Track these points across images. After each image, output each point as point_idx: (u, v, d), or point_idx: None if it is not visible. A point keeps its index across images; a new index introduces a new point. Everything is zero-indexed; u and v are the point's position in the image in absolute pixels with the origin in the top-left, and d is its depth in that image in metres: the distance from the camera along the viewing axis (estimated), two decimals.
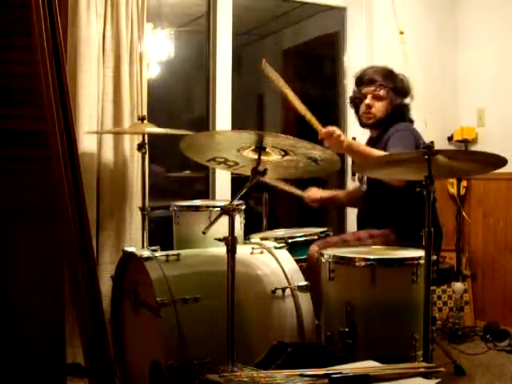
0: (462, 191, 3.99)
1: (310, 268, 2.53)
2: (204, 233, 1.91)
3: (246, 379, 1.62)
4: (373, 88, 2.84)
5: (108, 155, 2.99)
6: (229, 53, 3.55)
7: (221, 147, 2.22)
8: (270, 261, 2.36)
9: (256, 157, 2.09)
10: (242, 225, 2.89)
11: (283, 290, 2.24)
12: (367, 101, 2.85)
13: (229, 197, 3.42)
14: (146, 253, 2.22)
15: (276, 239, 2.64)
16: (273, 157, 2.14)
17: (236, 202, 2.00)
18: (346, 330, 2.14)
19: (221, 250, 2.08)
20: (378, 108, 2.84)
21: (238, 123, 3.64)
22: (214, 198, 3.53)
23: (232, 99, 3.57)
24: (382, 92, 2.83)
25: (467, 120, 4.01)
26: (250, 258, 2.34)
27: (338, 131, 2.56)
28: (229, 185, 3.54)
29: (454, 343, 3.44)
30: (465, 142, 3.97)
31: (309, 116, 2.66)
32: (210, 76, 3.58)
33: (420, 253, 2.18)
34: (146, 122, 2.83)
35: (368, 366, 1.75)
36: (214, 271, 2.20)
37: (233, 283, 1.91)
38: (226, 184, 3.53)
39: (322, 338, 2.26)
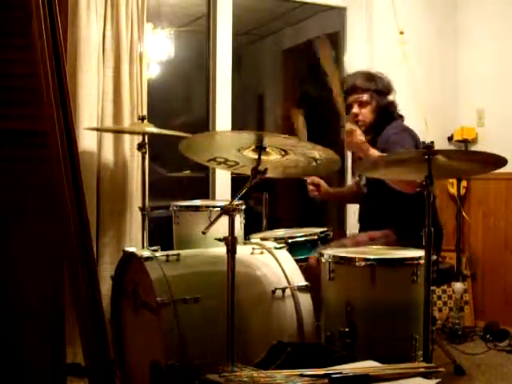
0: (462, 191, 3.99)
1: (310, 273, 2.52)
2: (204, 233, 1.90)
3: (245, 379, 1.62)
4: (356, 96, 2.86)
5: (108, 155, 2.99)
6: (229, 53, 3.55)
7: (221, 147, 2.22)
8: (270, 261, 2.36)
9: (256, 156, 2.09)
10: (242, 225, 2.89)
11: (283, 290, 2.24)
12: (354, 110, 2.87)
13: (229, 197, 3.42)
14: (146, 253, 2.22)
15: (276, 239, 2.64)
16: (273, 156, 2.15)
17: (236, 202, 2.00)
18: (346, 330, 2.14)
19: (221, 250, 2.08)
20: (365, 114, 2.86)
21: (238, 123, 3.64)
22: (214, 198, 3.53)
23: (232, 99, 3.57)
24: (365, 97, 2.85)
25: (467, 120, 4.01)
26: (250, 258, 2.34)
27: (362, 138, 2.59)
28: (229, 185, 3.54)
29: (453, 343, 3.44)
30: (465, 141, 3.97)
31: (340, 100, 2.68)
32: (210, 76, 3.58)
33: (420, 253, 2.18)
34: (145, 121, 2.83)
35: (368, 365, 1.75)
36: (214, 271, 2.20)
37: (233, 283, 1.91)
38: (226, 184, 3.53)
39: (321, 338, 2.26)
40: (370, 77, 2.89)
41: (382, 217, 2.80)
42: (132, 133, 2.99)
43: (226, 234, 1.93)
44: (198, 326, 2.05)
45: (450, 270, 3.24)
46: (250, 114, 5.03)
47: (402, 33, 3.77)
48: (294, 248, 2.58)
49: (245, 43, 4.81)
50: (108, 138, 3.00)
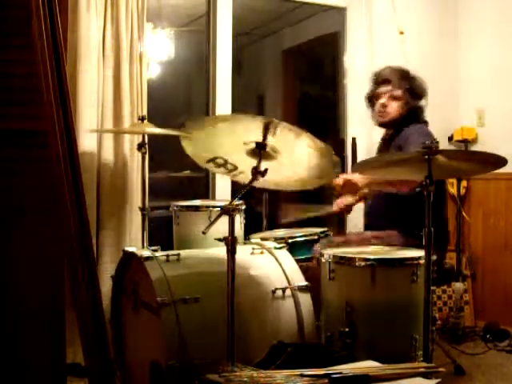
0: (462, 191, 3.99)
1: (310, 273, 2.52)
2: (204, 233, 1.90)
3: (245, 379, 1.62)
4: (389, 88, 2.85)
5: (108, 155, 2.99)
6: (229, 53, 3.55)
7: (222, 141, 2.17)
8: (270, 261, 2.36)
9: (255, 162, 2.07)
10: (242, 225, 2.89)
11: (283, 290, 2.24)
12: (383, 100, 2.86)
13: (229, 197, 3.42)
14: (146, 253, 2.22)
15: (276, 239, 2.64)
16: (272, 162, 2.12)
17: (236, 202, 1.99)
18: (346, 330, 2.14)
19: (221, 250, 2.08)
20: (393, 108, 2.85)
21: None
22: (214, 198, 3.53)
23: (232, 99, 3.57)
24: (398, 92, 2.84)
25: (467, 120, 4.01)
26: (250, 259, 2.34)
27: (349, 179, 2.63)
28: (229, 185, 3.54)
29: (453, 343, 3.44)
30: (465, 142, 3.98)
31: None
32: (210, 76, 3.58)
33: (420, 253, 2.18)
34: (145, 121, 2.83)
35: (368, 365, 1.75)
36: (214, 271, 2.20)
37: (233, 283, 1.91)
38: (226, 184, 3.53)
39: (322, 338, 2.26)
40: (407, 75, 2.89)
41: (388, 214, 2.80)
42: (132, 133, 2.99)
43: (226, 234, 1.93)
44: (198, 326, 2.05)
45: (450, 270, 3.24)
46: (250, 113, 5.03)
47: (402, 33, 3.76)
48: (294, 248, 2.58)
49: (245, 43, 4.82)
50: (108, 138, 3.00)
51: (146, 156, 2.90)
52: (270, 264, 2.34)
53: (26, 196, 2.06)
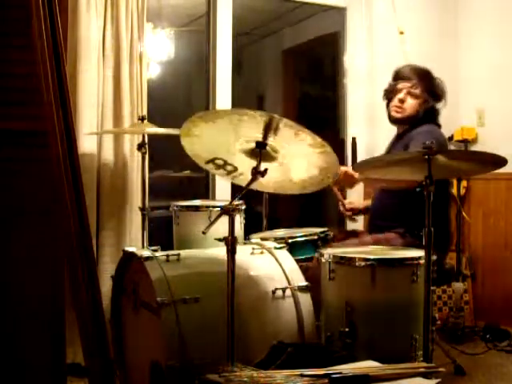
0: (462, 191, 3.99)
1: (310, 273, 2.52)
2: (204, 233, 1.90)
3: (245, 379, 1.62)
4: (409, 84, 2.85)
5: (108, 155, 2.99)
6: (229, 53, 3.55)
7: (222, 139, 2.15)
8: (270, 261, 2.36)
9: (255, 163, 2.07)
10: (242, 225, 2.89)
11: (283, 290, 2.24)
12: (401, 95, 2.86)
13: (229, 197, 3.43)
14: (146, 253, 2.22)
15: (276, 239, 2.64)
16: (272, 164, 2.12)
17: (236, 202, 1.99)
18: (346, 330, 2.14)
19: (221, 250, 2.08)
20: (410, 104, 2.85)
21: None
22: (214, 198, 3.53)
23: (232, 99, 3.57)
24: (417, 90, 2.84)
25: (467, 120, 4.01)
26: (250, 259, 2.34)
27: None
28: (229, 185, 3.54)
29: (453, 343, 3.44)
30: (465, 141, 3.97)
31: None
32: (210, 76, 3.58)
33: (420, 253, 2.18)
34: (146, 121, 2.83)
35: (368, 365, 1.75)
36: (214, 271, 2.20)
37: (233, 283, 1.91)
38: (225, 184, 3.53)
39: (322, 338, 2.26)
40: (428, 76, 2.90)
41: (391, 214, 2.80)
42: (132, 133, 2.99)
43: (226, 234, 1.93)
44: (198, 326, 2.05)
45: (450, 270, 3.24)
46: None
47: (402, 33, 3.76)
48: (294, 248, 2.58)
49: (245, 43, 4.81)
50: (108, 139, 3.00)
51: (146, 156, 2.91)
52: (270, 264, 2.34)
53: (25, 196, 2.06)
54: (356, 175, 2.70)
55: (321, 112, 4.70)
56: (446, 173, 2.43)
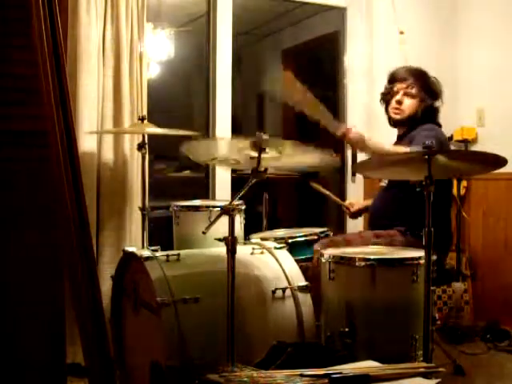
0: (462, 191, 3.99)
1: (310, 273, 2.53)
2: (204, 233, 1.91)
3: (245, 379, 1.62)
4: (405, 85, 2.86)
5: (108, 155, 2.99)
6: (229, 53, 3.55)
7: (221, 149, 2.21)
8: (270, 261, 2.36)
9: (256, 154, 2.08)
10: (242, 225, 2.89)
11: (283, 290, 2.24)
12: (398, 97, 2.87)
13: (229, 197, 3.42)
14: (146, 253, 2.22)
15: (276, 239, 2.64)
16: (272, 153, 2.14)
17: (236, 202, 1.99)
18: (346, 330, 2.14)
19: (221, 250, 2.08)
20: (408, 105, 2.85)
21: (238, 123, 3.64)
22: (214, 198, 3.53)
23: (232, 99, 3.58)
24: (413, 90, 2.84)
25: (467, 120, 4.01)
26: (251, 259, 2.34)
27: (356, 130, 2.55)
28: (229, 185, 3.54)
29: (454, 343, 3.44)
30: (465, 142, 3.97)
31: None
32: (209, 76, 3.58)
33: (420, 253, 2.18)
34: (146, 121, 2.83)
35: (368, 365, 1.75)
36: (214, 271, 2.20)
37: (233, 283, 1.91)
38: (226, 184, 3.53)
39: (321, 338, 2.26)
40: (424, 75, 2.90)
41: (392, 214, 2.80)
42: (132, 133, 2.99)
43: (226, 234, 1.93)
44: (198, 326, 2.05)
45: (450, 270, 3.24)
46: (250, 113, 5.03)
47: (402, 33, 3.77)
48: (294, 248, 2.58)
49: (245, 43, 4.81)
50: (108, 138, 3.00)
51: (146, 156, 2.91)
52: (269, 264, 2.34)
53: (25, 196, 2.06)
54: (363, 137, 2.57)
55: None
56: (446, 173, 2.43)
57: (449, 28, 4.09)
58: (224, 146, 2.27)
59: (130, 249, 2.33)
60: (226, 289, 1.91)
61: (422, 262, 2.12)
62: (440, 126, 2.90)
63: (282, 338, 1.99)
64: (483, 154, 2.26)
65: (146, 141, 2.89)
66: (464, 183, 3.99)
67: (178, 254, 2.25)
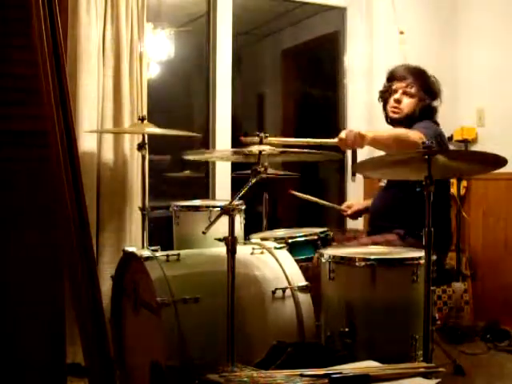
0: (462, 191, 3.99)
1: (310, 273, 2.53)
2: (204, 233, 1.91)
3: (245, 379, 1.62)
4: (404, 84, 2.86)
5: (108, 155, 2.99)
6: (229, 53, 3.55)
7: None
8: (270, 261, 2.36)
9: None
10: (242, 225, 2.89)
11: (283, 290, 2.24)
12: (397, 95, 2.87)
13: (229, 197, 3.42)
14: (146, 253, 2.22)
15: (276, 239, 2.64)
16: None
17: (236, 202, 2.00)
18: (346, 330, 2.14)
19: (221, 250, 2.08)
20: (407, 104, 2.85)
21: (238, 123, 3.64)
22: (214, 198, 3.53)
23: (232, 99, 3.57)
24: (412, 89, 2.85)
25: (467, 120, 4.01)
26: (251, 259, 2.34)
27: (351, 131, 2.53)
28: (229, 185, 3.54)
29: (454, 343, 3.44)
30: (465, 142, 3.97)
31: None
32: (209, 76, 3.58)
33: (420, 253, 2.18)
34: (145, 122, 2.83)
35: (368, 365, 1.75)
36: (214, 271, 2.20)
37: (233, 283, 1.91)
38: (226, 184, 3.53)
39: (321, 338, 2.26)
40: (423, 74, 2.90)
41: (392, 215, 2.80)
42: (132, 133, 2.99)
43: (226, 234, 1.93)
44: (198, 326, 2.05)
45: (451, 270, 3.24)
46: (250, 113, 5.03)
47: (402, 33, 3.77)
48: (294, 248, 2.58)
49: (245, 43, 4.81)
50: (108, 138, 3.00)
51: (146, 156, 2.91)
52: (269, 264, 2.34)
53: (25, 196, 2.06)
54: (367, 135, 2.53)
55: (320, 112, 4.69)
56: (446, 173, 2.43)
57: (449, 28, 4.09)
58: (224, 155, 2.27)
59: (129, 249, 2.33)
60: (226, 289, 1.91)
61: (422, 262, 2.12)
62: (438, 124, 2.90)
63: (282, 338, 1.99)
64: (483, 154, 2.26)
65: (146, 141, 2.89)
66: (464, 183, 4.00)
67: (178, 254, 2.25)
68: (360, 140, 2.50)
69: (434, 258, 2.11)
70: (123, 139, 3.01)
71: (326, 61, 4.74)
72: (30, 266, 2.06)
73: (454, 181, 3.97)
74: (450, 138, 4.03)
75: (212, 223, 1.93)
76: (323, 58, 4.85)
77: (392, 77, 2.93)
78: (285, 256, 2.40)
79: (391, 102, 2.89)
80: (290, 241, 2.65)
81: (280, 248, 2.44)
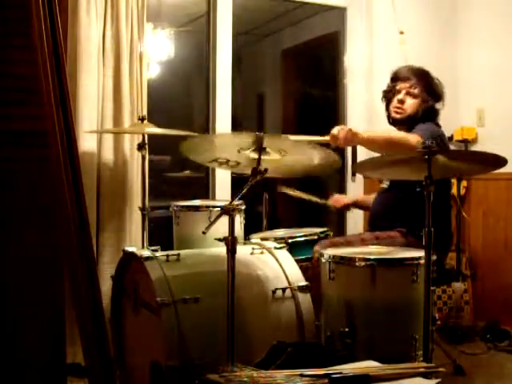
0: (462, 191, 3.99)
1: (310, 273, 2.53)
2: (204, 233, 1.90)
3: (245, 379, 1.62)
4: (408, 85, 2.86)
5: (108, 155, 2.99)
6: (229, 53, 3.55)
7: (221, 149, 2.22)
8: (270, 261, 2.36)
9: (256, 156, 2.09)
10: (242, 225, 2.89)
11: (283, 290, 2.24)
12: (400, 96, 2.87)
13: (229, 197, 3.42)
14: (146, 253, 2.22)
15: (276, 239, 2.64)
16: (273, 156, 2.15)
17: (236, 202, 2.00)
18: (346, 330, 2.14)
19: (221, 250, 2.08)
20: (410, 104, 2.85)
21: (238, 123, 3.64)
22: (214, 198, 3.53)
23: (232, 99, 3.58)
24: (416, 90, 2.85)
25: (467, 120, 4.01)
26: (251, 259, 2.34)
27: (343, 128, 2.54)
28: (229, 185, 3.54)
29: (454, 343, 3.44)
30: (465, 142, 3.97)
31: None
32: (210, 76, 3.58)
33: (420, 253, 2.18)
34: (145, 122, 2.83)
35: (368, 365, 1.75)
36: (214, 271, 2.20)
37: (233, 283, 1.91)
38: (226, 184, 3.53)
39: (321, 338, 2.26)
40: (427, 76, 2.91)
41: (392, 214, 2.80)
42: (132, 133, 2.99)
43: (226, 234, 1.93)
44: (198, 326, 2.05)
45: (451, 270, 3.24)
46: (250, 113, 5.03)
47: (402, 33, 3.77)
48: (294, 248, 2.58)
49: (245, 43, 4.81)
50: (108, 138, 3.00)
51: (146, 156, 2.91)
52: (269, 264, 2.34)
53: (25, 196, 2.06)
54: (360, 134, 2.55)
55: (321, 112, 4.70)
56: (446, 173, 2.43)
57: (449, 28, 4.09)
58: (224, 144, 2.25)
59: (129, 249, 2.33)
60: (226, 289, 1.91)
61: (422, 262, 2.12)
62: (439, 126, 2.90)
63: (282, 338, 1.99)
64: (483, 154, 2.26)
65: (146, 141, 2.89)
66: (464, 183, 3.99)
67: (178, 254, 2.25)
68: (351, 137, 2.51)
69: (434, 257, 2.11)
70: (123, 139, 3.01)
71: (326, 61, 4.75)
72: (30, 266, 2.06)
73: (454, 181, 3.97)
74: (450, 138, 4.03)
75: (212, 223, 1.93)
76: (323, 57, 4.85)
77: (396, 77, 2.93)
78: (285, 256, 2.40)
79: (394, 102, 2.89)
80: (289, 241, 2.65)
81: (280, 248, 2.44)
